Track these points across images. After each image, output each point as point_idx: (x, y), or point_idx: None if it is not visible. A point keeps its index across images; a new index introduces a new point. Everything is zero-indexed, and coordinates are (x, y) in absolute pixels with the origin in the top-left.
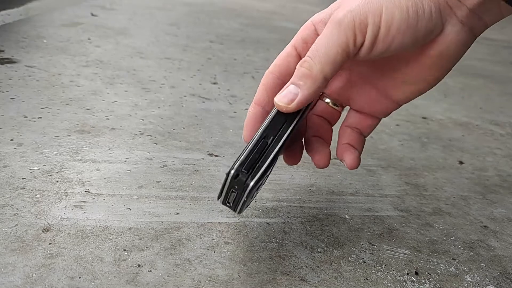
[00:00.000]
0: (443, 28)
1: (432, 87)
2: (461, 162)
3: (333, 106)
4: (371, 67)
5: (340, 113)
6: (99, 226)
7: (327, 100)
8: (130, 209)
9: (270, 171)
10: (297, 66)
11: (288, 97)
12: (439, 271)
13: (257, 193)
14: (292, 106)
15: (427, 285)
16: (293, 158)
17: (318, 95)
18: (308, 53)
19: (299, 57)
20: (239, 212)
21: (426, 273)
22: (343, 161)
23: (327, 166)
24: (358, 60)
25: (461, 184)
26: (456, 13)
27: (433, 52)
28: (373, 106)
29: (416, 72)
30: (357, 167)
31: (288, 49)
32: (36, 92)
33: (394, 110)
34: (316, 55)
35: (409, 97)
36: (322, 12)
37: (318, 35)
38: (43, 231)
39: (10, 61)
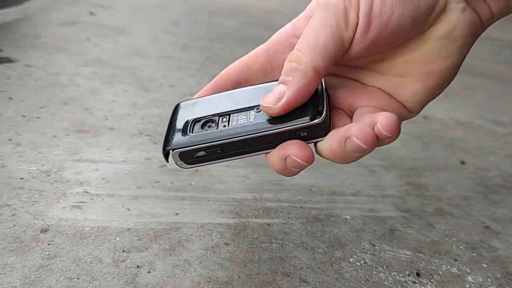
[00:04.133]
0: (446, 6)
1: (442, 86)
2: (463, 162)
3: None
4: (371, 68)
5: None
6: (98, 226)
7: None
8: (129, 210)
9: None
10: (285, 62)
11: (273, 97)
12: (441, 272)
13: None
14: (278, 107)
15: (429, 286)
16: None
17: (310, 93)
18: (296, 46)
19: (269, 62)
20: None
21: (428, 274)
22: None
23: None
24: (355, 57)
25: (463, 184)
26: None
27: (438, 33)
28: (383, 105)
29: (423, 61)
30: (396, 132)
31: (258, 50)
32: (35, 92)
33: (406, 118)
34: (304, 45)
35: (419, 99)
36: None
37: (295, 37)
38: (41, 232)
39: (8, 60)
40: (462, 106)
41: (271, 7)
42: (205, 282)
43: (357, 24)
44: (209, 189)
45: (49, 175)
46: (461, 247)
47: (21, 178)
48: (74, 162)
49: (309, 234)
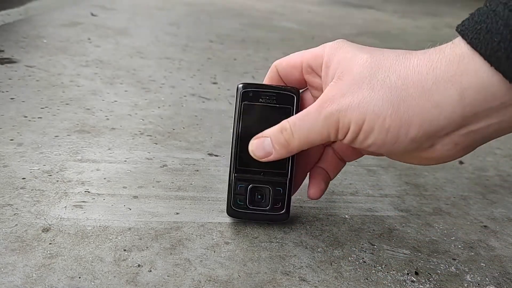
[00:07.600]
0: (433, 145)
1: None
2: (461, 162)
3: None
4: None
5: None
6: (99, 226)
7: None
8: (130, 209)
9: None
10: (280, 128)
11: (261, 152)
12: (439, 271)
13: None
14: (264, 160)
15: (427, 285)
16: (294, 186)
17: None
18: (292, 124)
19: (302, 74)
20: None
21: (426, 273)
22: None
23: (318, 198)
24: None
25: (461, 184)
26: (450, 135)
27: (414, 156)
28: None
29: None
30: (318, 198)
31: (296, 62)
32: (36, 92)
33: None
34: (298, 132)
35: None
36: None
37: (323, 66)
38: (43, 231)
39: (10, 61)
40: None
41: (271, 8)
42: (205, 281)
43: (342, 139)
44: (210, 188)
45: (50, 175)
46: (459, 246)
47: (23, 178)
48: (76, 162)
49: (309, 233)
